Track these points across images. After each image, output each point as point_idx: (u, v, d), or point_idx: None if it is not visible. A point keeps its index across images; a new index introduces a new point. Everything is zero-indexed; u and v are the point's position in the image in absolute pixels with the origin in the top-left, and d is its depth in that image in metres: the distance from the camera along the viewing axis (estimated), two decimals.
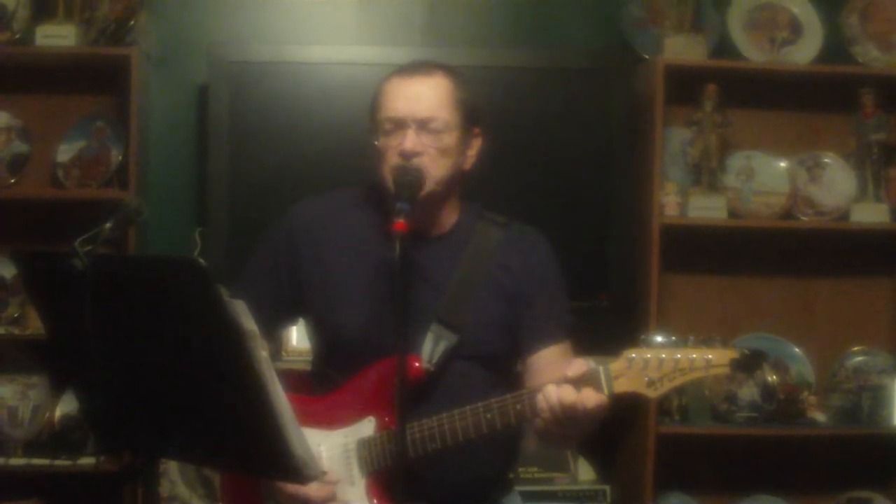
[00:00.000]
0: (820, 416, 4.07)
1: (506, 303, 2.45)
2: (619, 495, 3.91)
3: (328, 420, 2.41)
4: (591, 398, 2.16)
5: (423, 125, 2.36)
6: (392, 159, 2.37)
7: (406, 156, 2.34)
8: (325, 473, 2.32)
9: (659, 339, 2.17)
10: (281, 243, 2.53)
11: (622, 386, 2.16)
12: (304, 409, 2.09)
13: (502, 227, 2.50)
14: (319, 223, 2.51)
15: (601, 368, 2.17)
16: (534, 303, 2.46)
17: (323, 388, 2.49)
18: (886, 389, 4.01)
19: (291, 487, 2.31)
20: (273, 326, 2.59)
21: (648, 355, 2.16)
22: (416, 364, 2.35)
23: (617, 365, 2.17)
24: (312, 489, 2.30)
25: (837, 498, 4.21)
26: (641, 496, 3.88)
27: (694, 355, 2.14)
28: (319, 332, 2.54)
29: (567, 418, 2.18)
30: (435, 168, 2.37)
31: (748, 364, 2.16)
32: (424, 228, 2.42)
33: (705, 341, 2.16)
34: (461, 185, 2.50)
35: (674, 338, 2.17)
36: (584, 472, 3.90)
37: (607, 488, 3.82)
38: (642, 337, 2.19)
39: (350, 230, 2.50)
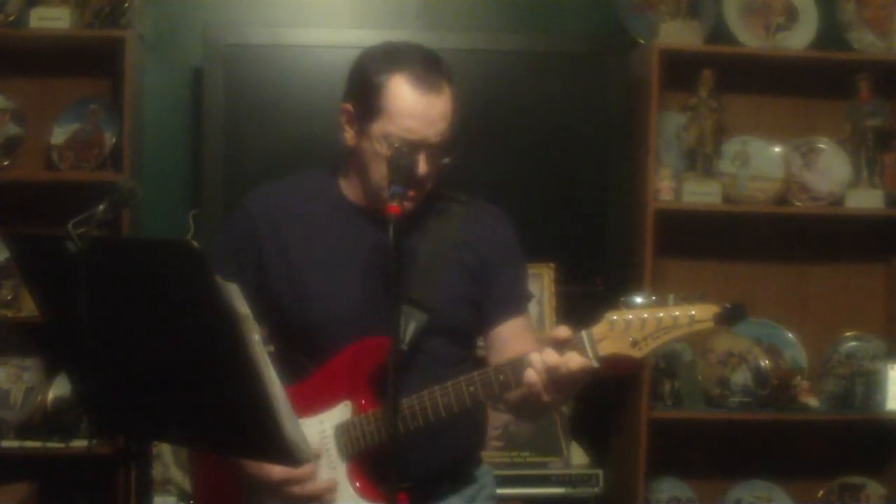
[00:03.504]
0: (813, 402, 4.08)
1: (470, 278, 2.45)
2: (612, 480, 3.91)
3: (303, 407, 2.36)
4: (575, 360, 2.15)
5: (433, 148, 2.34)
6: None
7: (419, 183, 2.34)
8: (318, 457, 2.33)
9: (639, 299, 2.15)
10: (240, 232, 2.49)
11: (606, 348, 2.14)
12: None
13: (463, 204, 2.50)
14: (279, 209, 2.48)
15: (584, 333, 2.15)
16: (497, 277, 2.46)
17: (291, 374, 2.43)
18: (879, 375, 4.01)
19: (277, 475, 2.31)
20: None
21: (630, 316, 2.13)
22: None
23: (599, 328, 2.14)
24: (294, 473, 2.30)
25: (830, 483, 4.23)
26: (634, 481, 3.89)
27: (677, 312, 2.11)
28: (286, 317, 2.47)
29: (553, 382, 2.16)
30: (430, 184, 2.40)
31: (731, 317, 2.12)
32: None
33: (686, 298, 2.13)
34: None
35: (654, 297, 2.15)
36: (577, 457, 3.90)
37: (600, 473, 3.81)
38: (622, 299, 2.17)
39: (314, 214, 2.47)
